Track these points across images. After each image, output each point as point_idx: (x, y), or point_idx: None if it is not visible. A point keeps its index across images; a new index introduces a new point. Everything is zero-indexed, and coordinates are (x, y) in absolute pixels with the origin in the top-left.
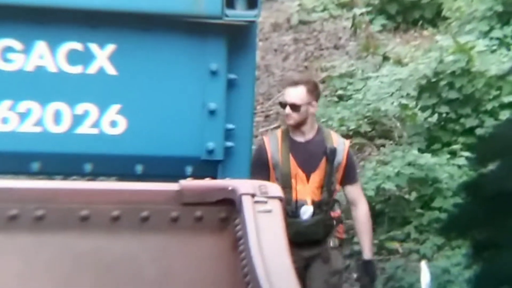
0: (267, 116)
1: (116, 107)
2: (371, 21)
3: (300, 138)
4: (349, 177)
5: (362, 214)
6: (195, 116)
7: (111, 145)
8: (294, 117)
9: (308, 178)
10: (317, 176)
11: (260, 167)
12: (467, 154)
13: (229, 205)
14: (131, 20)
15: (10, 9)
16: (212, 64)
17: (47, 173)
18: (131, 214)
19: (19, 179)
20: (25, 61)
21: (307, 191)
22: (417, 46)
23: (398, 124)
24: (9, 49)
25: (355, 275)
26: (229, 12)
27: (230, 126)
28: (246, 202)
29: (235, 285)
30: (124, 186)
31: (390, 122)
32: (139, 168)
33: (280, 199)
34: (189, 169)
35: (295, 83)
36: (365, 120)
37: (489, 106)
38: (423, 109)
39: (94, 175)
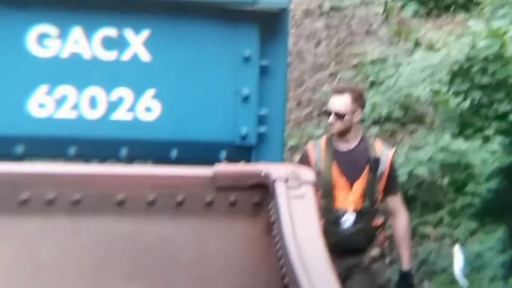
0: (299, 102)
1: (150, 92)
2: (403, 7)
3: (343, 147)
4: (391, 186)
5: (401, 224)
6: (229, 101)
7: (146, 130)
8: (338, 126)
9: (351, 186)
10: (359, 185)
11: None
12: (499, 139)
13: (263, 190)
14: (165, 6)
15: None
16: (245, 50)
17: (83, 157)
18: (167, 198)
19: (56, 163)
20: (60, 47)
21: (349, 200)
22: (449, 31)
23: (431, 110)
24: (45, 35)
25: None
26: None
27: (263, 111)
28: (279, 187)
29: (269, 269)
30: (159, 171)
31: (422, 107)
32: (174, 153)
33: (312, 184)
34: (223, 154)
35: (340, 91)
36: (397, 105)
37: None
38: (456, 94)
39: (129, 160)
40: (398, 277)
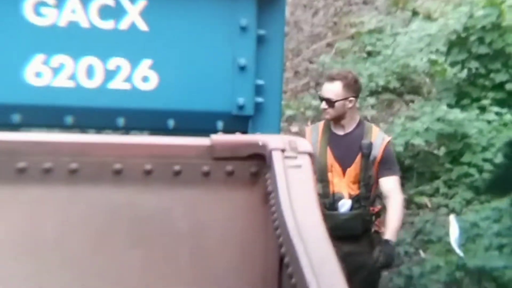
0: (296, 72)
1: (147, 62)
2: None
3: (339, 131)
4: (383, 169)
5: (395, 203)
6: (226, 71)
7: (143, 100)
8: (330, 112)
9: (344, 172)
10: (352, 171)
11: None
12: (496, 109)
13: (260, 160)
14: None
15: None
16: (242, 19)
17: (80, 127)
18: (164, 168)
19: (53, 132)
20: (57, 16)
21: (343, 185)
22: (446, 0)
23: (427, 80)
24: (42, 3)
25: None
26: None
27: (260, 81)
28: (276, 157)
29: (266, 238)
30: (156, 140)
31: (419, 77)
32: (171, 123)
33: (309, 154)
34: (220, 124)
35: (331, 78)
36: (394, 76)
37: None
38: (453, 64)
39: (126, 129)
40: (379, 246)
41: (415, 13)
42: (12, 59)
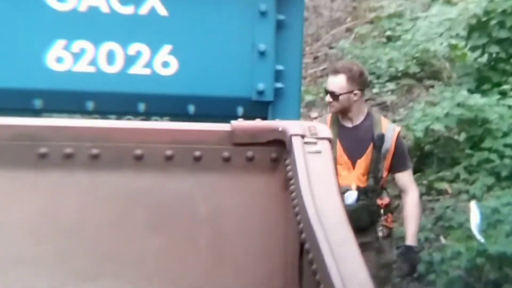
0: (315, 58)
1: (167, 48)
2: None
3: (348, 124)
4: (398, 164)
5: (411, 201)
6: (245, 57)
7: (163, 85)
8: (335, 105)
9: (353, 164)
10: (363, 163)
11: None
12: None
13: (280, 145)
14: None
15: None
16: (262, 4)
17: (101, 112)
18: (184, 154)
19: (74, 118)
20: (78, 1)
21: (352, 177)
22: None
23: (448, 65)
24: None
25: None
26: None
27: (280, 67)
28: (296, 143)
29: (286, 224)
30: (177, 126)
31: (439, 62)
32: (191, 108)
33: (329, 140)
34: (240, 110)
35: (335, 71)
36: (414, 61)
37: None
38: (473, 49)
39: (147, 115)
40: (401, 250)
41: None
42: (33, 44)
